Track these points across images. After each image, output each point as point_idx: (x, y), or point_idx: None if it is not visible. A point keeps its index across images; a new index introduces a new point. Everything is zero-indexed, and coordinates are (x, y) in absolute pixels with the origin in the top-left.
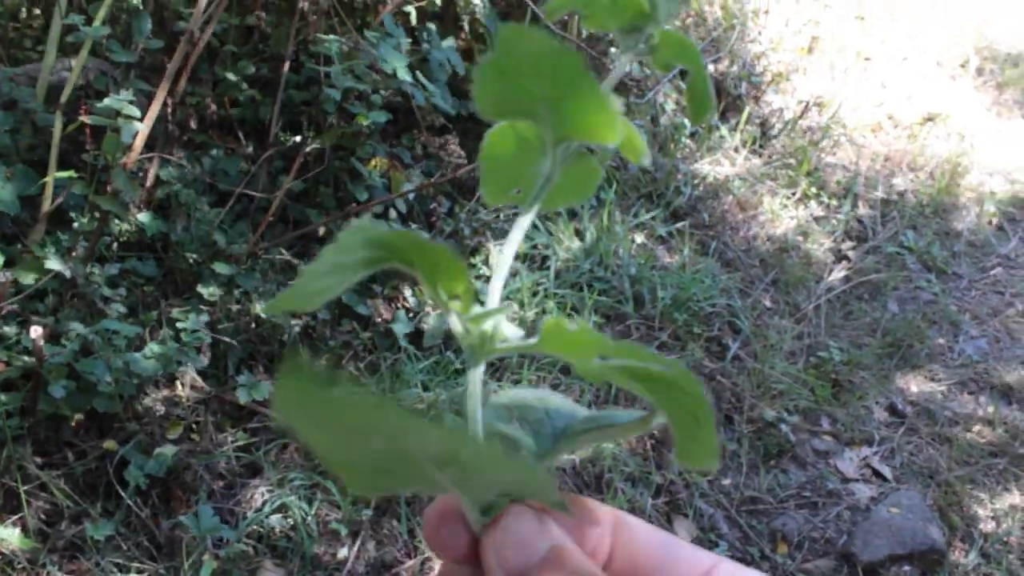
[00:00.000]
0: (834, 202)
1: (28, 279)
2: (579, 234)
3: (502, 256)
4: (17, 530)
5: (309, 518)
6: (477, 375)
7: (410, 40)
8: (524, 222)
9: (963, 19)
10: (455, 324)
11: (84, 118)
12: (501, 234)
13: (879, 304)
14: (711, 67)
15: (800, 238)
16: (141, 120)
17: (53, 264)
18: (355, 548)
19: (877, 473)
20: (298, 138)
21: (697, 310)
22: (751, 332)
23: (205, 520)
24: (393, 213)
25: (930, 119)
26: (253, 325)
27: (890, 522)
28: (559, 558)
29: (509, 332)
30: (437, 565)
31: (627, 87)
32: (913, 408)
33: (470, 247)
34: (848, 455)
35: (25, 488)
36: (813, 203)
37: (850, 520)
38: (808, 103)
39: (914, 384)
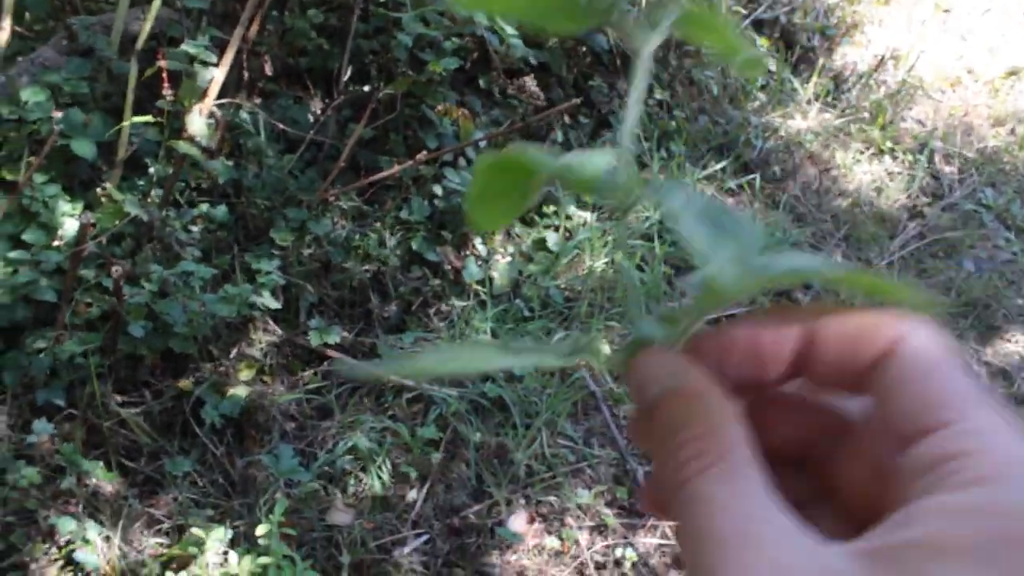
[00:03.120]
0: (909, 158)
1: (107, 222)
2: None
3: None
4: (100, 464)
5: (379, 460)
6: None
7: None
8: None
9: None
10: None
11: (161, 63)
12: None
13: (954, 263)
14: (783, 19)
15: (873, 194)
16: (216, 66)
17: (131, 208)
18: (423, 491)
19: None
20: (366, 87)
21: None
22: (821, 287)
23: (284, 460)
24: (463, 161)
25: (1013, 73)
26: (323, 270)
27: None
28: (677, 391)
29: None
30: (504, 510)
31: None
32: (988, 370)
33: (540, 196)
34: None
35: (107, 424)
36: (887, 158)
37: None
38: (884, 56)
39: (990, 345)
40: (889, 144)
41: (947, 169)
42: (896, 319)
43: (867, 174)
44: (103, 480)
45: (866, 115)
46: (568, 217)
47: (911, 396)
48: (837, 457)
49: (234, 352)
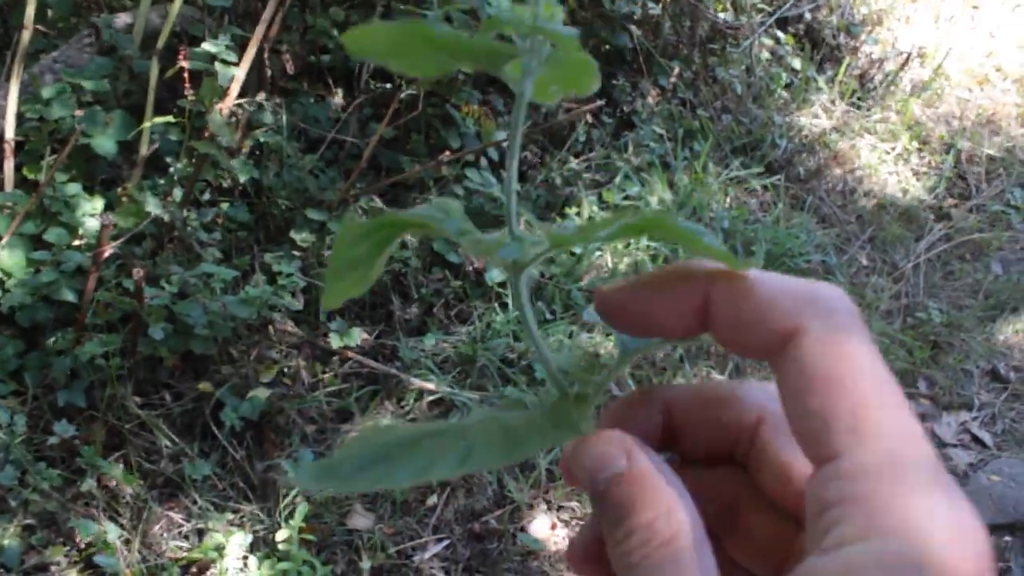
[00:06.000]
0: (936, 158)
1: (127, 223)
2: (672, 186)
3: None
4: (120, 466)
5: None
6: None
7: None
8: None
9: None
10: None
11: (183, 63)
12: (593, 184)
13: (982, 264)
14: (808, 15)
15: (899, 194)
16: (237, 65)
17: (152, 208)
18: (444, 496)
19: (976, 439)
20: (388, 85)
21: (792, 266)
22: (847, 290)
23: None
24: (484, 162)
25: None
26: None
27: (990, 490)
28: (625, 476)
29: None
30: (525, 515)
31: (723, 35)
32: (1017, 373)
33: (562, 197)
34: (946, 419)
35: (127, 426)
36: (914, 158)
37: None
38: (910, 54)
39: (1018, 348)
40: (915, 144)
41: (974, 169)
42: (798, 296)
43: (893, 174)
44: (123, 482)
45: (892, 114)
46: (591, 218)
47: (804, 415)
48: (744, 505)
49: (254, 354)
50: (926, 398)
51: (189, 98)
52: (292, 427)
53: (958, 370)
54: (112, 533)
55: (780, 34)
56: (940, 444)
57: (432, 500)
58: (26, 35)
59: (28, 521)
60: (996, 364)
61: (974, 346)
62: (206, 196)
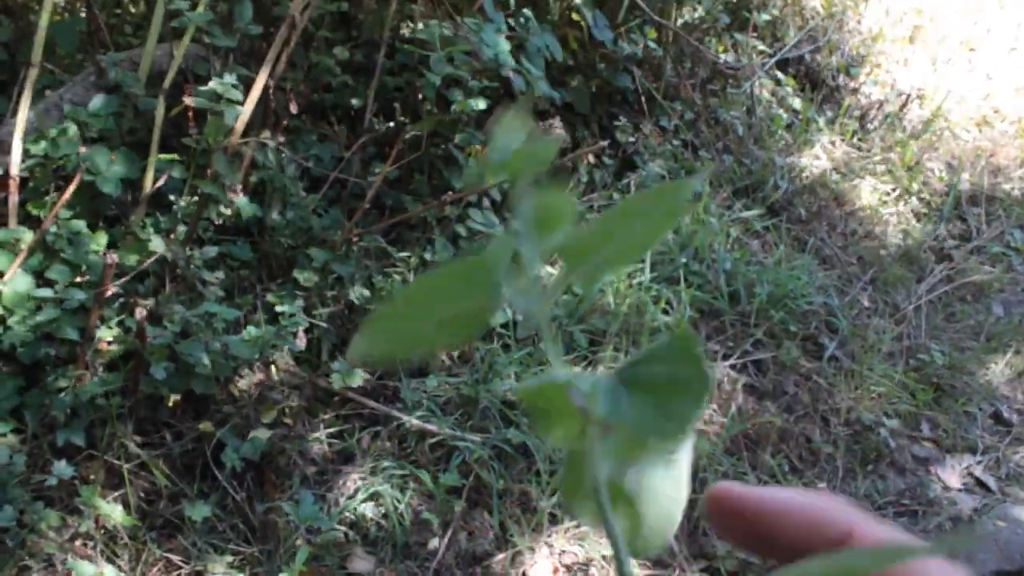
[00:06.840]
0: (936, 199)
1: (130, 260)
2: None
3: None
4: (119, 506)
5: (401, 507)
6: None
7: (507, 27)
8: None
9: None
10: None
11: (188, 100)
12: None
13: (983, 306)
14: (807, 58)
15: (900, 236)
16: (242, 104)
17: (156, 246)
18: (446, 539)
19: (981, 483)
20: (391, 124)
21: (794, 308)
22: (849, 332)
23: (305, 507)
24: (487, 202)
25: None
26: (347, 311)
27: (996, 536)
28: None
29: None
30: (527, 559)
31: (724, 76)
32: (1020, 416)
33: None
34: (950, 463)
35: (126, 466)
36: (914, 199)
37: (952, 531)
38: (909, 95)
39: (1021, 391)
40: (916, 185)
41: (974, 210)
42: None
43: (893, 215)
44: (121, 523)
45: (892, 155)
46: None
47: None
48: None
49: (256, 394)
50: (929, 441)
51: (193, 137)
52: (293, 468)
53: (961, 413)
54: (109, 574)
55: (780, 75)
56: (945, 488)
57: (434, 543)
58: (33, 72)
59: (25, 562)
60: (999, 407)
61: (976, 388)
62: (209, 234)
